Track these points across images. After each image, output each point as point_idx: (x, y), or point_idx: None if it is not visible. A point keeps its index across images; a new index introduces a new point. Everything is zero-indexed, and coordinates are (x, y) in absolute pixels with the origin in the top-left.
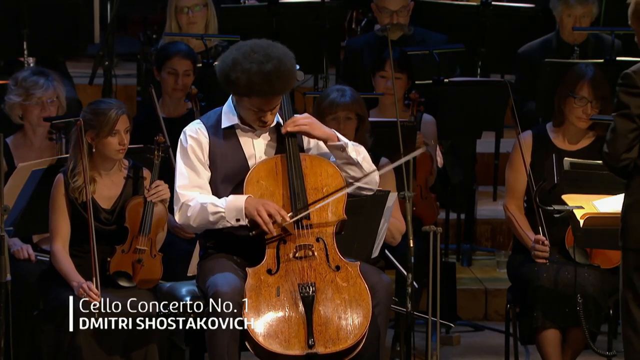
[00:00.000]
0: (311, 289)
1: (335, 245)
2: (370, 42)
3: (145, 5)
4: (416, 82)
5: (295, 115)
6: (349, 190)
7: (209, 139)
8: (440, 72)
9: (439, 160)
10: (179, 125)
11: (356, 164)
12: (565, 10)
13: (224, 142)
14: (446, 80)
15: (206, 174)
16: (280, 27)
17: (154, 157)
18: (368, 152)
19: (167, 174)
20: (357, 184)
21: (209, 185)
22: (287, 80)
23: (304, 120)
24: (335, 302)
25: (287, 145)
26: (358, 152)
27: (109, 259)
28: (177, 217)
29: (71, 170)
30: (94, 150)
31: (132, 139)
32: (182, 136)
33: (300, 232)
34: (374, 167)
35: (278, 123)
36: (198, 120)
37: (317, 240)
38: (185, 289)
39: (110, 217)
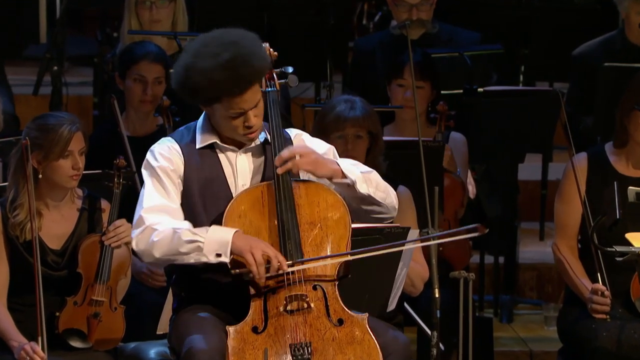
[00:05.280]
0: (307, 351)
1: (337, 293)
2: (384, 42)
3: None
4: (442, 92)
5: (288, 147)
6: (361, 256)
7: (185, 162)
8: (472, 79)
9: (471, 189)
10: (146, 145)
11: (367, 197)
12: (633, 6)
13: (200, 165)
14: (480, 89)
15: (178, 200)
16: (273, 24)
17: (114, 185)
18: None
19: (131, 206)
20: (374, 215)
21: (182, 213)
22: (253, 64)
23: (304, 159)
24: None
25: (275, 169)
26: (370, 181)
27: (57, 313)
28: (135, 243)
29: (11, 202)
30: (40, 176)
31: (88, 163)
32: (149, 155)
33: (292, 278)
34: (389, 191)
35: (266, 140)
36: (169, 138)
37: (314, 287)
38: (153, 350)
39: (59, 260)
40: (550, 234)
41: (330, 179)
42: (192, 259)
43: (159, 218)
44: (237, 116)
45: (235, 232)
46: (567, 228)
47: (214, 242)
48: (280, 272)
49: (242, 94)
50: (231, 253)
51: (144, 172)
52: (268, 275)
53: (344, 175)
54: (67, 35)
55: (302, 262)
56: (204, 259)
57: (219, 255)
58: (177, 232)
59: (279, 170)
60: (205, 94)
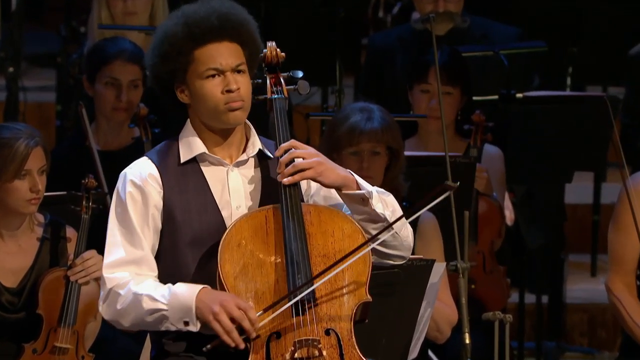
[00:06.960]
0: None
1: (354, 340)
2: (405, 38)
3: None
4: (474, 98)
5: (292, 148)
6: (373, 245)
7: (163, 187)
8: (510, 82)
9: (509, 214)
10: (120, 161)
11: (382, 219)
12: None
13: (185, 186)
14: (519, 95)
15: (149, 238)
16: (272, 17)
17: (82, 209)
18: (402, 203)
19: (102, 235)
20: (383, 248)
21: (151, 256)
22: (237, 11)
23: (307, 162)
24: None
25: (282, 191)
26: (386, 203)
27: None
28: (102, 309)
29: None
30: None
31: (51, 183)
32: (120, 182)
33: (302, 319)
34: (406, 223)
35: (261, 152)
36: (145, 158)
37: (327, 332)
38: None
39: (16, 301)
40: (604, 268)
41: (340, 189)
42: (163, 328)
43: (122, 276)
44: (214, 74)
45: (198, 293)
46: (624, 262)
47: (177, 309)
48: (255, 327)
49: (216, 37)
50: (198, 319)
51: (112, 204)
52: (244, 336)
53: (358, 185)
54: (25, 31)
55: (312, 282)
56: (174, 328)
57: (187, 323)
58: (138, 298)
59: (280, 179)
60: (177, 38)
